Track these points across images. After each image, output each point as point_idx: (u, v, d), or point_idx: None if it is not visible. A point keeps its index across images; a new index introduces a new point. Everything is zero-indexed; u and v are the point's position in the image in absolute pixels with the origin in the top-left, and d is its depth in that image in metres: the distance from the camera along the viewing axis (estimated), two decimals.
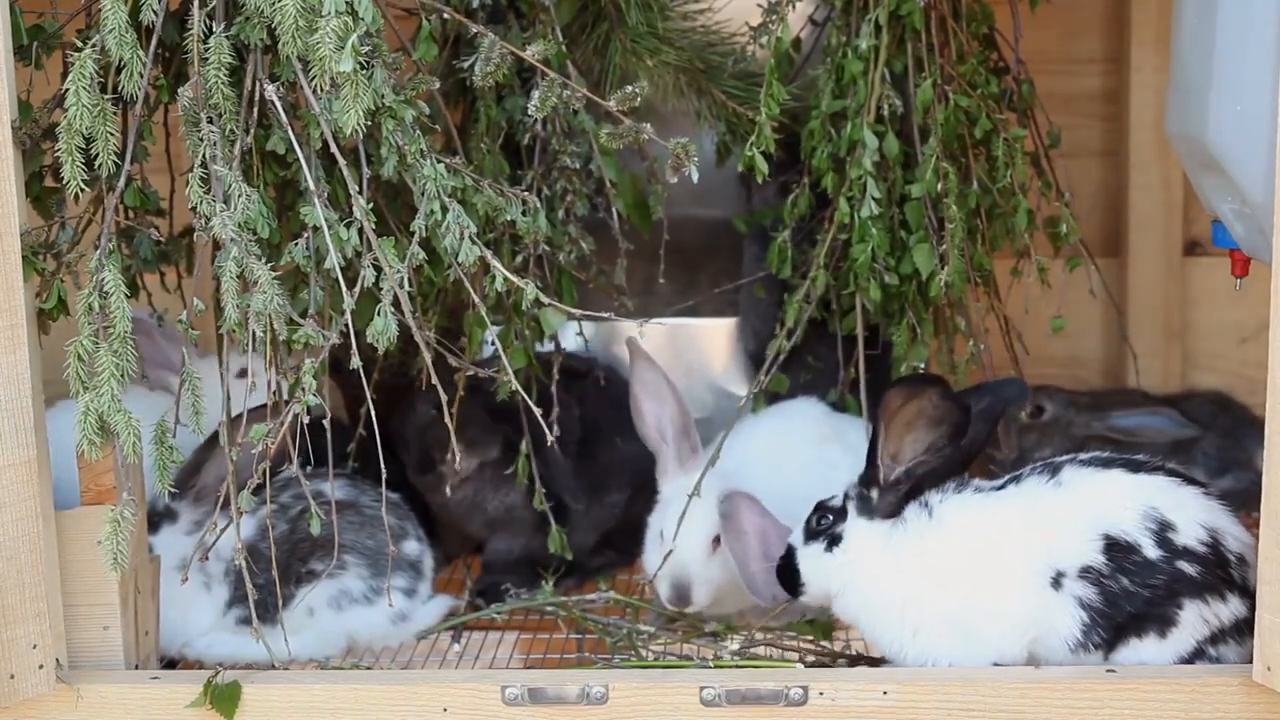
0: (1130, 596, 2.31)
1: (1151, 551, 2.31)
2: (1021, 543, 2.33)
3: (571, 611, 2.77)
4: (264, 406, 2.27)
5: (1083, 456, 2.42)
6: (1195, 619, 2.32)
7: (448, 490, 2.85)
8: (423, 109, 2.24)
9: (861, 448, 2.69)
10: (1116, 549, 2.31)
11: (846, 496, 2.41)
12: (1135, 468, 2.39)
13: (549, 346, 2.85)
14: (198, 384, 2.22)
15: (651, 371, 2.71)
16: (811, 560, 2.42)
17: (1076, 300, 3.12)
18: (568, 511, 2.94)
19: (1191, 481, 2.40)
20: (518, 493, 2.90)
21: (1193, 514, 2.34)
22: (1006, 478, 2.43)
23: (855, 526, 2.39)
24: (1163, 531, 2.32)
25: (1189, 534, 2.33)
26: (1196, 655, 2.33)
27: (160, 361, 2.99)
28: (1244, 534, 2.37)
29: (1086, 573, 2.31)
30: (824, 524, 2.41)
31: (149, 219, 2.39)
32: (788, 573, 2.45)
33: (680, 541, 2.63)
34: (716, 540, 2.65)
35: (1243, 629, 2.33)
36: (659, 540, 2.70)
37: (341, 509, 2.54)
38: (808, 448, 2.81)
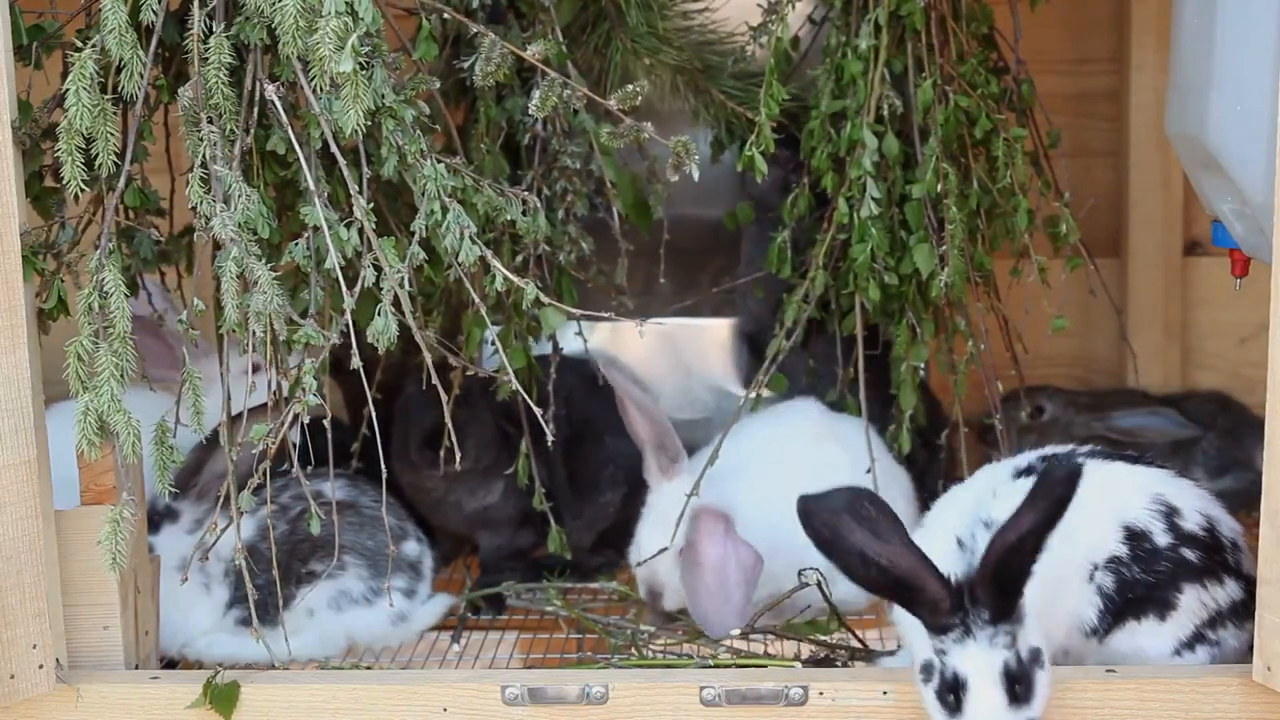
0: (1137, 583, 2.32)
1: (1161, 538, 2.33)
2: (1068, 540, 2.19)
3: (572, 611, 2.77)
4: (264, 406, 2.27)
5: (1082, 451, 2.43)
6: (1194, 603, 2.34)
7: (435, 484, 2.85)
8: (423, 109, 2.24)
9: (859, 447, 2.69)
10: (1134, 537, 2.33)
11: (963, 633, 2.08)
12: (1132, 462, 2.43)
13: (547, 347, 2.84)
14: (199, 384, 2.23)
15: (630, 388, 2.68)
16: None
17: (1076, 300, 3.12)
18: (564, 510, 2.94)
19: (1180, 475, 2.44)
20: (494, 493, 2.91)
21: (1191, 501, 2.38)
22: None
23: (984, 656, 2.09)
24: (1171, 517, 2.35)
25: (1191, 520, 2.36)
26: (1196, 639, 2.35)
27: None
28: (1234, 521, 2.42)
29: (1111, 563, 2.32)
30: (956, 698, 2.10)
31: (149, 219, 2.39)
32: None
33: (655, 548, 2.64)
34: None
35: (1240, 612, 2.35)
36: (638, 546, 2.71)
37: (341, 509, 2.54)
38: (805, 447, 2.80)
